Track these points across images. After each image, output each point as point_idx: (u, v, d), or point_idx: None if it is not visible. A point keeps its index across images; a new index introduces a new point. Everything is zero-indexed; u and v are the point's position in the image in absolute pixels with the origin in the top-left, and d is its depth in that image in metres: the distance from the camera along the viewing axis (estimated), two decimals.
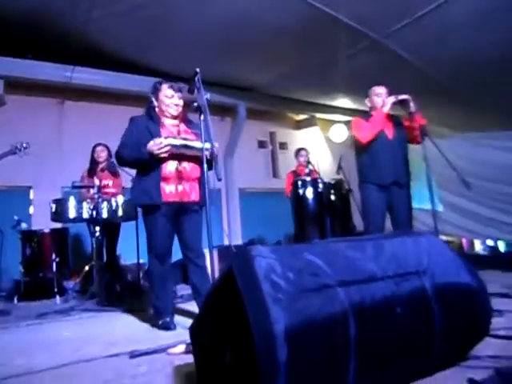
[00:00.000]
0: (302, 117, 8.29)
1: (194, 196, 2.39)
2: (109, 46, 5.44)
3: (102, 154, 4.30)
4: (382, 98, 3.10)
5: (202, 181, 2.31)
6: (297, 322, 0.93)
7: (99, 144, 4.42)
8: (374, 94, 3.19)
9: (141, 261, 3.95)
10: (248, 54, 5.51)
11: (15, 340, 2.25)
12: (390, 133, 3.07)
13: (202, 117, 2.10)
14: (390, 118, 3.10)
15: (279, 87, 6.81)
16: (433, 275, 1.20)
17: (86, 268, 3.92)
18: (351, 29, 4.78)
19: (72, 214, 3.56)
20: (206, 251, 2.40)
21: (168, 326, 2.28)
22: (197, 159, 2.31)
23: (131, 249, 4.00)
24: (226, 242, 6.14)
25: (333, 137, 7.79)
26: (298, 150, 5.40)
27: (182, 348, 1.72)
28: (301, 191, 3.98)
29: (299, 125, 8.44)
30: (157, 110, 2.49)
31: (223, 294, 1.08)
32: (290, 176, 5.12)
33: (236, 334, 1.01)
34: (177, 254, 2.62)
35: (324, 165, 6.77)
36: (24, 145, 3.38)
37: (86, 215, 3.57)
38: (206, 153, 2.20)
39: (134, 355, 1.70)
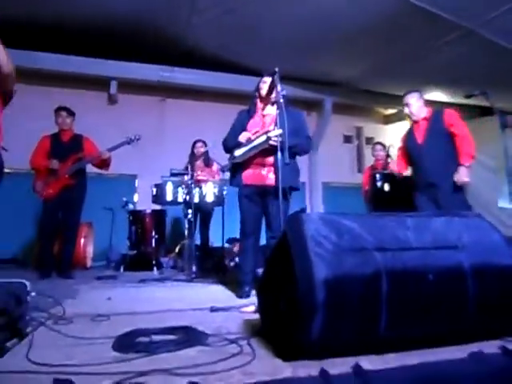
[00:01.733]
0: (390, 111, 8.11)
1: (271, 180, 2.65)
2: (204, 48, 5.98)
3: (200, 149, 4.84)
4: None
5: (275, 166, 2.56)
6: (335, 274, 1.15)
7: (199, 140, 4.95)
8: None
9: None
10: (335, 49, 5.63)
11: (121, 295, 2.75)
12: (419, 137, 3.35)
13: (278, 111, 2.34)
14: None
15: (366, 81, 6.79)
16: (472, 252, 1.31)
17: (179, 246, 4.45)
18: (443, 20, 4.65)
19: (169, 197, 4.09)
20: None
21: (241, 295, 2.59)
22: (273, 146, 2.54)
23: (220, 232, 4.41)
24: None
25: None
26: (374, 145, 5.40)
27: (252, 308, 2.01)
28: (378, 184, 4.04)
29: (388, 119, 8.28)
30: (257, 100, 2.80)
31: (279, 254, 1.33)
32: (367, 171, 5.16)
33: (287, 285, 1.24)
34: None
35: None
36: (137, 136, 3.99)
37: (180, 199, 4.07)
38: (275, 140, 2.42)
39: (213, 309, 2.03)
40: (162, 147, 6.68)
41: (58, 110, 3.97)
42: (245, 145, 2.63)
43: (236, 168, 2.74)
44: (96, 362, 1.17)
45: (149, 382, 0.99)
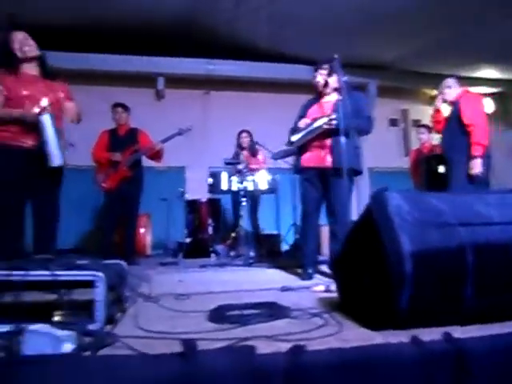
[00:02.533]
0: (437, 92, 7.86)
1: (329, 162, 2.69)
2: (246, 39, 6.06)
3: (245, 140, 4.95)
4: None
5: (333, 148, 2.62)
6: (420, 247, 1.20)
7: (243, 131, 5.06)
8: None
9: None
10: (382, 31, 5.54)
11: (189, 278, 2.91)
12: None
13: (340, 96, 2.39)
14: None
15: (413, 62, 6.63)
16: None
17: (234, 233, 4.60)
18: None
19: (224, 186, 4.23)
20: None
21: (304, 278, 2.67)
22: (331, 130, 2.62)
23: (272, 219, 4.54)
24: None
25: None
26: (418, 127, 5.31)
27: (322, 288, 2.09)
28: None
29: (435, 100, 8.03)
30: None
31: (362, 231, 1.40)
32: (413, 154, 5.09)
33: (373, 259, 1.31)
34: None
35: None
36: (188, 127, 4.15)
37: (234, 188, 4.21)
38: (331, 123, 2.51)
39: (284, 289, 2.13)
40: (208, 139, 6.84)
41: (114, 106, 4.22)
42: (303, 129, 2.70)
43: (297, 156, 2.83)
44: (198, 331, 1.29)
45: (256, 345, 1.10)
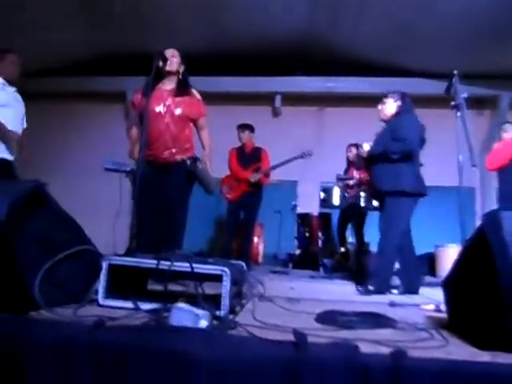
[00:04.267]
0: None
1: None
2: (364, 54, 6.09)
3: (350, 154, 4.99)
4: None
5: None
6: None
7: (352, 144, 5.11)
8: None
9: None
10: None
11: (300, 286, 3.08)
12: None
13: (458, 114, 2.35)
14: None
15: None
16: None
17: (343, 249, 4.65)
18: None
19: (336, 201, 4.34)
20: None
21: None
22: None
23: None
24: None
25: None
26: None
27: (432, 306, 2.06)
28: None
29: None
30: None
31: (475, 251, 1.40)
32: None
33: (486, 281, 1.31)
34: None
35: None
36: (309, 152, 4.40)
37: (346, 203, 4.29)
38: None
39: (392, 304, 2.16)
40: (321, 154, 6.96)
41: (242, 127, 4.66)
42: None
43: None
44: (307, 327, 1.44)
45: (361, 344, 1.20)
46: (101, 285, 1.53)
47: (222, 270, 1.49)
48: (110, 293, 1.56)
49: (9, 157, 3.09)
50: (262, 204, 4.66)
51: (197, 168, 2.80)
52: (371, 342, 1.25)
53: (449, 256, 3.97)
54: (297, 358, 1.09)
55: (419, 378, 1.06)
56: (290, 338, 1.18)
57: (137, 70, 4.24)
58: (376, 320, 1.57)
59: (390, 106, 3.01)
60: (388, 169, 2.88)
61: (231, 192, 4.43)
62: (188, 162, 2.84)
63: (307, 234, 4.81)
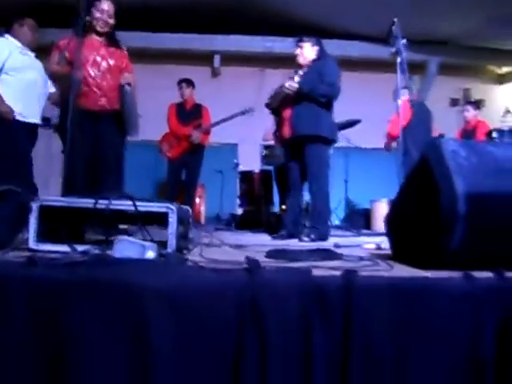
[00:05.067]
0: (505, 69, 7.41)
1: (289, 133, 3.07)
2: (302, 16, 6.04)
3: None
4: None
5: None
6: (475, 190, 1.24)
7: None
8: None
9: None
10: (441, 3, 5.30)
11: (245, 237, 3.08)
12: None
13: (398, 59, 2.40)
14: None
15: (478, 37, 6.28)
16: None
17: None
18: None
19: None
20: None
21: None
22: None
23: None
24: None
25: None
26: (464, 104, 5.16)
27: (373, 245, 2.15)
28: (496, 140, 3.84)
29: (502, 79, 7.57)
30: None
31: (417, 178, 1.45)
32: (459, 134, 4.92)
33: (427, 203, 1.35)
34: None
35: None
36: (251, 108, 4.33)
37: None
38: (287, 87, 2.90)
39: (336, 245, 2.21)
40: (261, 116, 6.94)
41: (182, 81, 4.47)
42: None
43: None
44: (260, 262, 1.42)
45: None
46: (31, 228, 1.38)
47: (168, 207, 1.41)
48: (43, 237, 1.42)
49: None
50: (203, 164, 4.56)
51: (126, 91, 2.60)
52: (322, 268, 1.26)
53: (383, 209, 4.18)
54: (251, 283, 1.07)
55: (370, 292, 1.09)
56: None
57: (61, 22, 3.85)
58: (324, 254, 1.60)
59: (309, 50, 3.00)
60: (310, 112, 2.86)
61: (171, 150, 4.26)
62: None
63: (249, 192, 4.80)
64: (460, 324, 1.12)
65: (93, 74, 2.66)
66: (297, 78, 2.80)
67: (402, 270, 1.34)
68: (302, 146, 2.92)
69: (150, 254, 1.14)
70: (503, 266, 1.27)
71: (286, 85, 2.84)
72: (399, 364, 1.09)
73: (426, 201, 1.35)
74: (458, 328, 1.12)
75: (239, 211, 4.92)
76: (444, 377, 1.08)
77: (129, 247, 1.13)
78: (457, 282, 1.15)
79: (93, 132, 2.64)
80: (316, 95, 2.83)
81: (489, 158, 1.32)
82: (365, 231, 4.42)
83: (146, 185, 5.93)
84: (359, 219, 4.93)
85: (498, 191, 1.25)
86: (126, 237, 1.18)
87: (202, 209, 5.26)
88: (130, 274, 1.02)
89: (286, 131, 3.00)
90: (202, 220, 5.27)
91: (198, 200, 5.00)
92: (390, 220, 1.73)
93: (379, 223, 3.69)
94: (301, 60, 3.04)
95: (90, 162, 2.63)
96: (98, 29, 2.69)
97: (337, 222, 5.08)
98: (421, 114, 4.25)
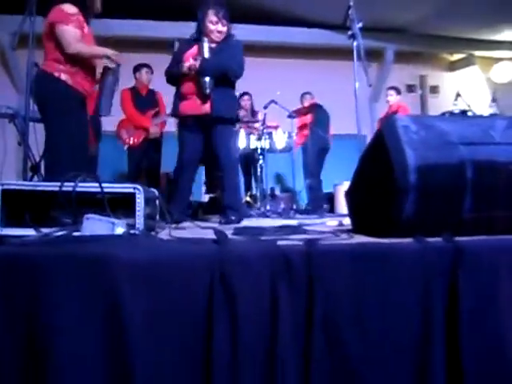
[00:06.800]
0: (457, 56, 7.76)
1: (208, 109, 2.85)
2: (262, 2, 6.06)
3: (247, 103, 5.02)
4: None
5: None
6: (424, 162, 1.34)
7: (245, 93, 5.09)
8: None
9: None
10: None
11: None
12: None
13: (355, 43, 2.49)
14: None
15: (431, 25, 6.53)
16: None
17: (249, 192, 4.78)
18: None
19: (241, 144, 4.38)
20: None
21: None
22: None
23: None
24: None
25: (495, 77, 7.15)
26: (387, 89, 5.44)
27: (336, 222, 2.26)
28: None
29: (454, 66, 7.93)
30: None
31: (373, 153, 1.54)
32: (380, 122, 5.16)
33: (382, 176, 1.45)
34: None
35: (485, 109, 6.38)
36: None
37: (252, 146, 4.36)
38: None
39: (301, 224, 2.30)
40: None
41: (144, 66, 4.32)
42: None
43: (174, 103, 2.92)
44: None
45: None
46: None
47: (135, 188, 1.43)
48: (7, 222, 1.41)
49: None
50: (168, 153, 4.51)
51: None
52: (287, 240, 1.33)
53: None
54: (219, 253, 1.12)
55: (330, 258, 1.17)
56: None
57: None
58: (289, 229, 1.67)
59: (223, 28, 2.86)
60: (227, 92, 2.80)
61: (130, 137, 4.14)
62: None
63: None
64: (412, 284, 1.22)
65: None
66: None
67: (361, 239, 1.43)
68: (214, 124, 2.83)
69: (120, 230, 1.17)
70: (452, 231, 1.40)
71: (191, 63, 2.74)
72: (357, 326, 1.18)
73: (381, 173, 1.44)
74: (410, 289, 1.22)
75: (206, 198, 4.92)
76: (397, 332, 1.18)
77: (98, 224, 1.15)
78: (409, 244, 1.25)
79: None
80: (232, 76, 2.79)
81: (435, 131, 1.42)
82: (328, 214, 4.56)
83: (105, 174, 5.81)
84: (323, 203, 5.07)
85: (443, 162, 1.36)
86: (93, 215, 1.20)
87: None
88: (100, 249, 1.05)
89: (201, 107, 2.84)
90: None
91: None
92: (349, 194, 1.82)
93: (343, 207, 3.82)
94: (221, 36, 2.86)
95: None
96: None
97: (301, 207, 5.21)
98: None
